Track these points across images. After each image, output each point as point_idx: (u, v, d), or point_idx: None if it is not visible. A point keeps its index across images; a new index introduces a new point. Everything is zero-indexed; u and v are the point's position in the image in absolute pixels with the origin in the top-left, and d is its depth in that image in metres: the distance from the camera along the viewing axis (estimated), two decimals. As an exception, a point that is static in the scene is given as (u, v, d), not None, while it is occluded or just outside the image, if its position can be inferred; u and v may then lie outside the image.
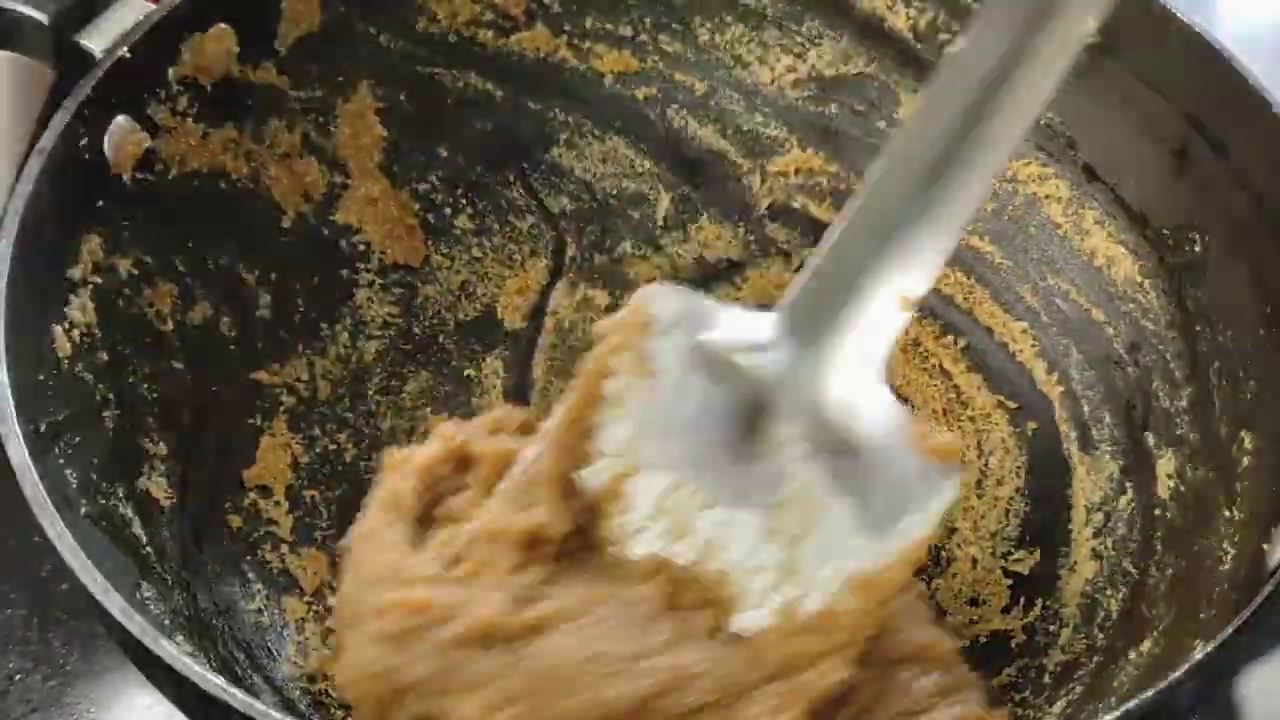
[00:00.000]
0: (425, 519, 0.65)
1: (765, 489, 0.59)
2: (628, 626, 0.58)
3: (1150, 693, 0.56)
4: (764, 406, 0.60)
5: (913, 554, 0.59)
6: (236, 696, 0.54)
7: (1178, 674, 0.56)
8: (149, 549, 0.67)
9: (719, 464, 0.60)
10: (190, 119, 0.76)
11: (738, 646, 0.59)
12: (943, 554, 0.77)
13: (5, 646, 0.76)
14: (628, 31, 0.88)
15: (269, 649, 0.71)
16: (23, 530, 0.76)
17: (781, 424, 0.60)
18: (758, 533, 0.59)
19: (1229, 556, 0.67)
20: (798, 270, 0.76)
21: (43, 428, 0.64)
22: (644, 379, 0.61)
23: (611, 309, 0.86)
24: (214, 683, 0.55)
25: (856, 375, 0.61)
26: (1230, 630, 0.57)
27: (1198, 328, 0.75)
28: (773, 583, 0.58)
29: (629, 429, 0.61)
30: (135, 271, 0.73)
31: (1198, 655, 0.57)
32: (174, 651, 0.56)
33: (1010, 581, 0.77)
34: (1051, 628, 0.74)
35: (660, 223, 0.89)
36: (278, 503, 0.77)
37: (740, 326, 0.63)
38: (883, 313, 0.61)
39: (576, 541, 0.61)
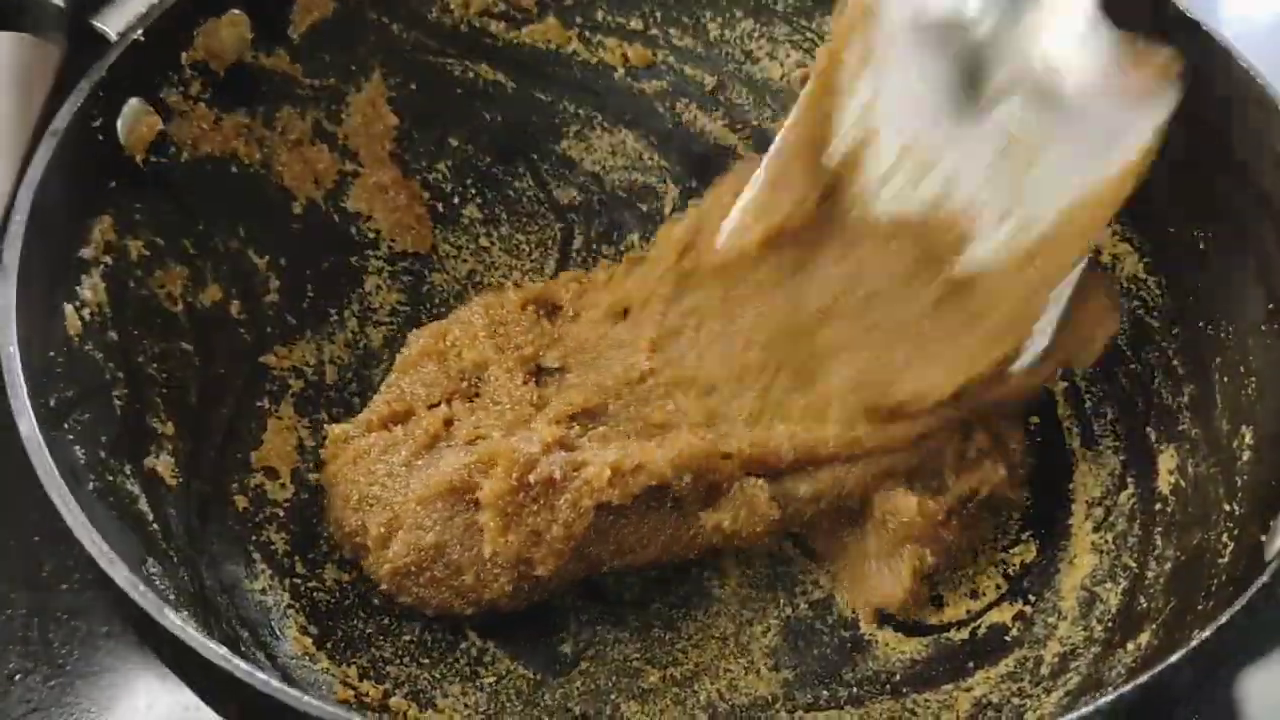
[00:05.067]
0: None
1: (988, 139, 0.67)
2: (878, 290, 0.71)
3: (1145, 677, 0.56)
4: (982, 64, 0.67)
5: (1122, 182, 0.67)
6: (240, 667, 0.55)
7: (1172, 659, 0.57)
8: (155, 526, 0.68)
9: (945, 123, 0.68)
10: (203, 103, 0.77)
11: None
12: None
13: (5, 646, 0.76)
14: (638, 25, 0.89)
15: (272, 627, 0.71)
16: (23, 530, 0.78)
17: (999, 76, 0.67)
18: (984, 175, 0.67)
19: (1227, 550, 0.67)
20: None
21: (52, 403, 0.65)
22: (870, 64, 0.69)
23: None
24: (216, 652, 0.55)
25: (1069, 11, 0.66)
26: (1226, 618, 0.58)
27: (1200, 323, 0.75)
28: (997, 219, 0.67)
29: (862, 105, 0.69)
30: (146, 253, 0.74)
31: (1192, 643, 0.57)
32: (179, 623, 0.56)
33: (1010, 574, 0.77)
34: (1050, 620, 0.74)
35: (667, 216, 0.89)
36: (283, 485, 0.77)
37: None
38: None
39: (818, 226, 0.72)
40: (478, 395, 0.77)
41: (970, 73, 0.68)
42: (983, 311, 0.69)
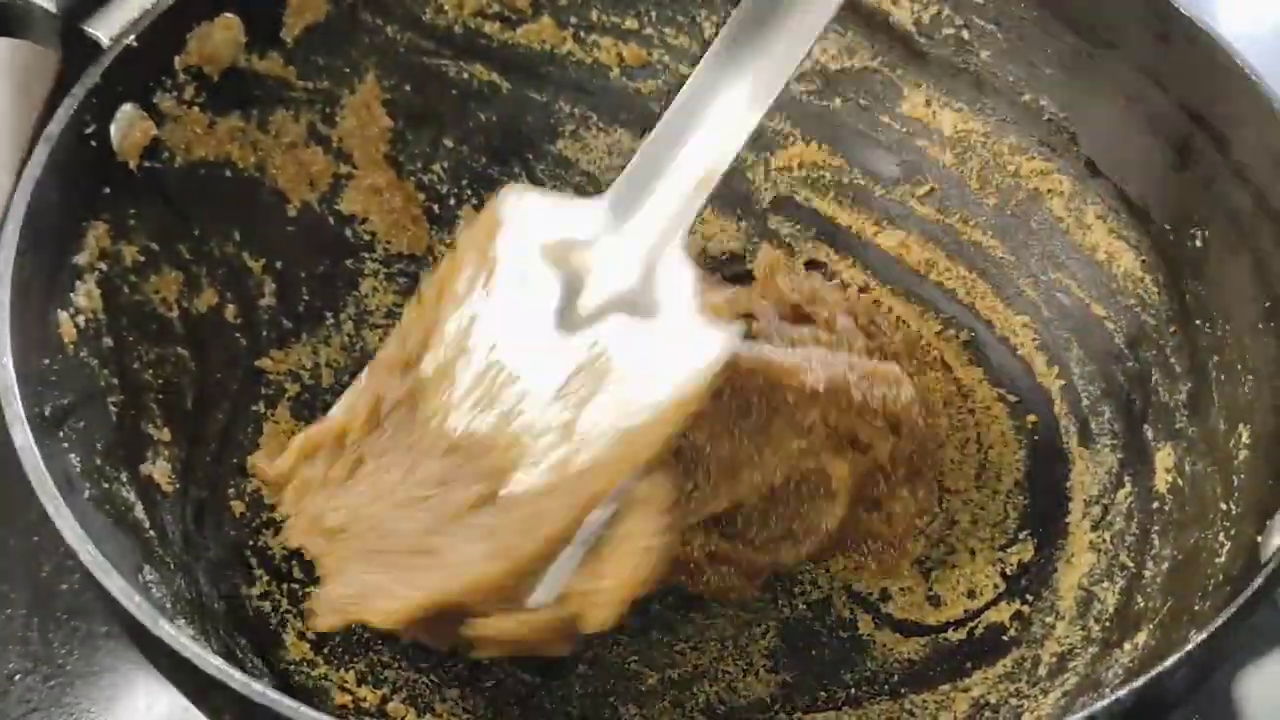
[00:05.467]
0: None
1: (570, 359, 0.68)
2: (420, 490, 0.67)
3: (1141, 680, 0.56)
4: (584, 286, 0.70)
5: (678, 411, 0.65)
6: (235, 678, 0.55)
7: (1169, 662, 0.57)
8: (151, 533, 0.68)
9: (538, 342, 0.69)
10: (197, 108, 0.77)
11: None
12: (942, 545, 0.78)
13: (5, 646, 0.76)
14: (633, 24, 0.89)
15: (270, 633, 0.71)
16: (23, 530, 0.78)
17: (594, 299, 0.70)
18: (549, 400, 0.67)
19: (1224, 549, 0.67)
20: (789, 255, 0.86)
21: (47, 411, 0.64)
22: (482, 278, 0.71)
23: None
24: (212, 664, 0.55)
25: (662, 247, 0.70)
26: (1222, 619, 0.58)
27: (1197, 322, 0.75)
28: (553, 442, 0.66)
29: (467, 318, 0.70)
30: (141, 258, 0.74)
31: (1189, 645, 0.57)
32: (173, 633, 0.56)
33: (1007, 573, 0.77)
34: (1047, 619, 0.74)
35: (664, 215, 0.89)
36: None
37: (579, 214, 0.72)
38: (684, 191, 0.71)
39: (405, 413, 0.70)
40: None
41: (573, 293, 0.70)
42: (500, 526, 0.65)
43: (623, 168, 0.88)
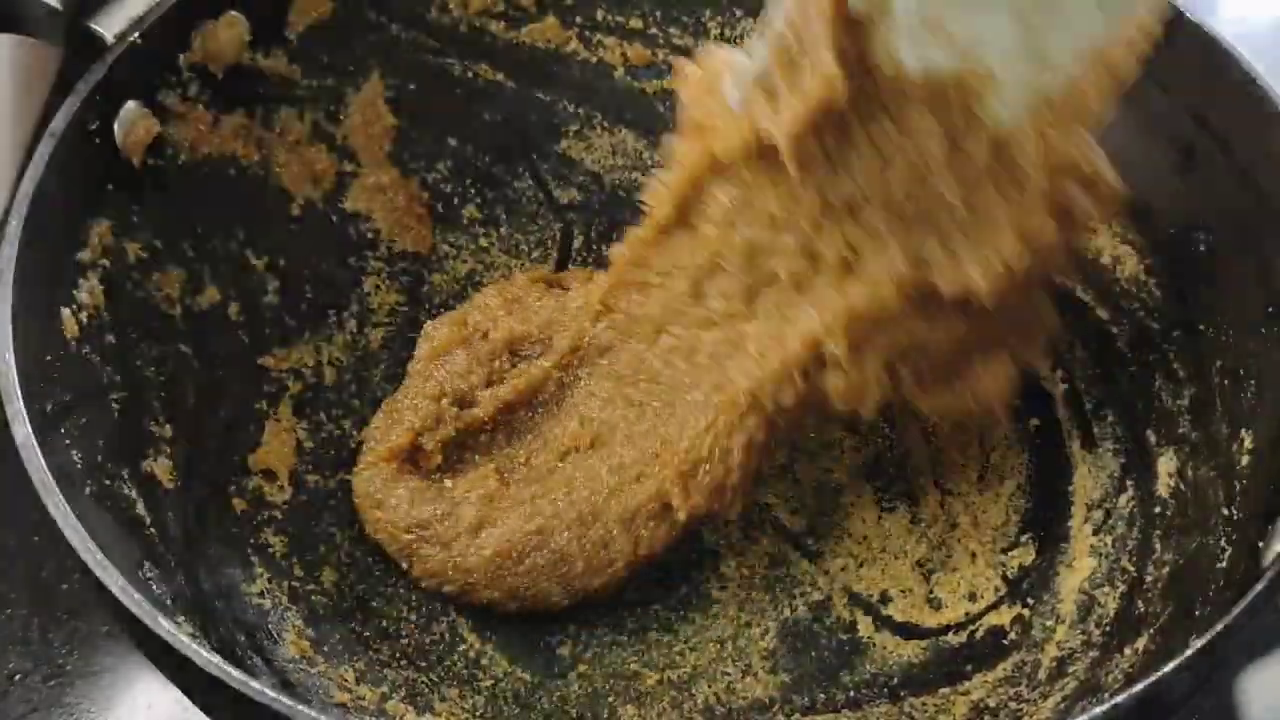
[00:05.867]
0: None
1: None
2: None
3: (1141, 685, 0.56)
4: None
5: (1142, 26, 0.66)
6: (233, 675, 0.55)
7: (1169, 667, 0.57)
8: (152, 530, 0.68)
9: None
10: (201, 105, 0.77)
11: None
12: (943, 548, 0.78)
13: (5, 646, 0.77)
14: (638, 24, 0.89)
15: (270, 631, 0.71)
16: (23, 530, 0.78)
17: None
18: (1009, 28, 0.65)
19: (1226, 554, 0.67)
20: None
21: (49, 408, 0.65)
22: None
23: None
24: (211, 662, 0.55)
25: None
26: (1222, 625, 0.58)
27: (1201, 326, 0.75)
28: (1020, 71, 0.65)
29: None
30: (144, 256, 0.74)
31: (1189, 651, 0.57)
32: (172, 630, 0.56)
33: (1008, 576, 0.77)
34: (1048, 623, 0.74)
35: (668, 215, 0.89)
36: (281, 487, 0.77)
37: None
38: None
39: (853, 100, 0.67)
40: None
41: None
42: (1025, 174, 0.68)
43: (626, 167, 0.90)
